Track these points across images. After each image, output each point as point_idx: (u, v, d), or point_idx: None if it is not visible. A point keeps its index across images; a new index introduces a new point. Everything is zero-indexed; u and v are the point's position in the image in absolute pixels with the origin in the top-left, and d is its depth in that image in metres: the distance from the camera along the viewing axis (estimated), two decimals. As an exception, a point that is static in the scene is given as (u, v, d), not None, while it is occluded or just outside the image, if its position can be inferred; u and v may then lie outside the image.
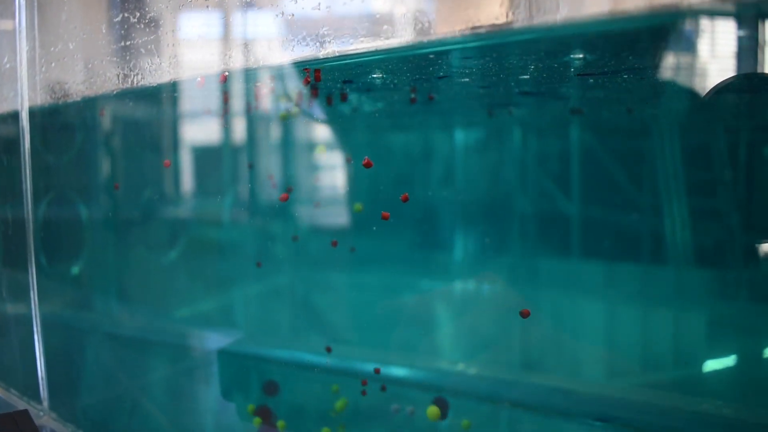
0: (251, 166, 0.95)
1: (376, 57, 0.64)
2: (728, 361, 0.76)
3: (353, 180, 0.94)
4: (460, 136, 0.97)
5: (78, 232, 1.12)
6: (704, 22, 0.65)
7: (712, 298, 0.77)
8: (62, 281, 1.14)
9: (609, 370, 0.86)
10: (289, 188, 0.93)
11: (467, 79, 0.76)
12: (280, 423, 0.86)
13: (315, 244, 0.95)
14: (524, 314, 0.67)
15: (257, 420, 0.87)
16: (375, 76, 0.73)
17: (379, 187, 0.89)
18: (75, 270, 1.13)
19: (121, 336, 1.09)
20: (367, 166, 0.67)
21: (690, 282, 0.79)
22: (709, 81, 0.68)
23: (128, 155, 1.05)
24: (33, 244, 1.10)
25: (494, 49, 0.64)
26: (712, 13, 0.63)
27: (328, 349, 0.84)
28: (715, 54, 0.66)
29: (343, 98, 0.85)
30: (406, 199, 0.70)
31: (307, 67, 0.68)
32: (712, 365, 0.79)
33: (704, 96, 0.68)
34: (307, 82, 0.71)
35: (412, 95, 0.85)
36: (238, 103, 0.86)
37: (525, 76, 0.74)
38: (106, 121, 1.01)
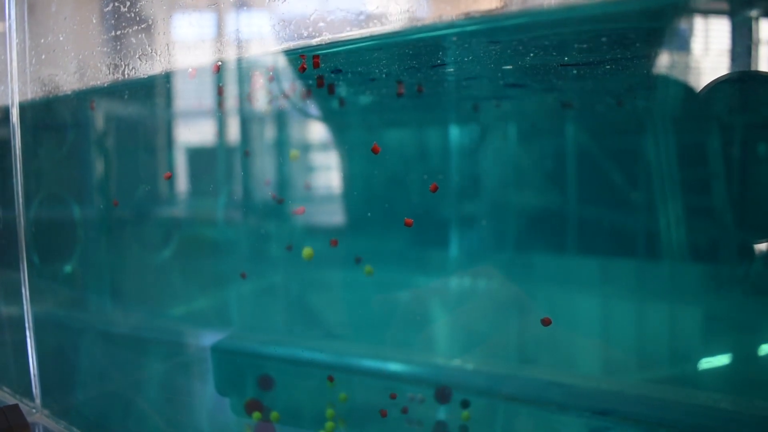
0: (248, 154, 0.94)
1: (369, 43, 0.63)
2: (723, 353, 0.76)
3: (344, 175, 0.93)
4: (447, 128, 0.96)
5: (70, 229, 1.11)
6: (699, 12, 0.64)
7: (707, 293, 0.77)
8: (54, 279, 1.13)
9: (609, 364, 0.85)
10: (280, 199, 0.92)
11: (455, 69, 0.75)
12: (273, 414, 0.86)
13: (313, 244, 0.94)
14: (545, 322, 0.67)
15: (257, 414, 0.86)
16: (363, 59, 0.72)
17: (370, 181, 0.89)
18: (68, 268, 1.12)
19: (114, 333, 1.08)
20: (375, 151, 0.67)
21: (683, 277, 0.79)
22: (703, 76, 0.67)
23: (121, 149, 1.03)
24: (24, 241, 1.09)
25: (487, 35, 0.63)
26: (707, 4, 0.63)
27: (330, 379, 0.85)
28: (709, 49, 0.66)
29: (331, 90, 0.84)
30: (435, 189, 0.70)
31: (303, 53, 0.67)
32: (707, 358, 0.79)
33: (699, 92, 0.68)
34: (303, 69, 0.69)
35: (400, 88, 0.84)
36: (231, 93, 0.85)
37: (511, 67, 0.73)
38: (97, 113, 1.00)
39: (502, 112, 0.92)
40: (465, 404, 0.81)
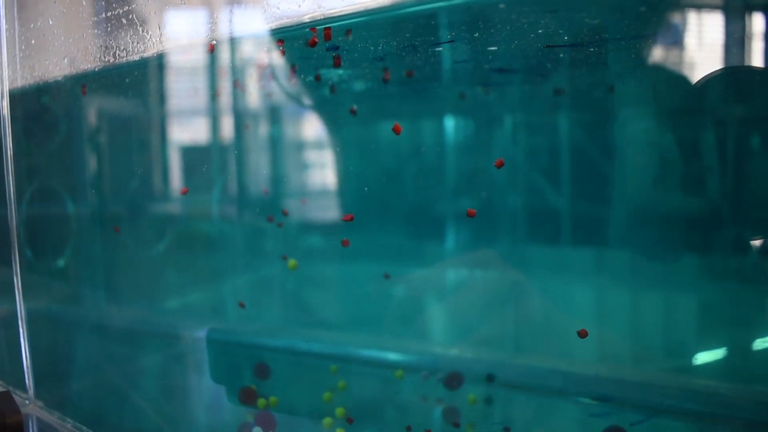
0: (247, 127, 0.92)
1: (361, 19, 0.62)
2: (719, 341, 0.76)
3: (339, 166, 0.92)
4: (439, 114, 0.95)
5: (63, 222, 1.10)
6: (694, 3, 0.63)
7: (699, 284, 0.77)
8: (47, 272, 1.12)
9: (609, 351, 0.85)
10: (284, 211, 0.90)
11: (447, 46, 0.73)
12: (271, 399, 0.85)
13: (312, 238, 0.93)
14: (582, 334, 0.66)
15: (263, 401, 0.86)
16: (370, 35, 0.70)
17: (363, 168, 0.88)
18: (61, 262, 1.11)
19: (107, 326, 1.07)
20: (396, 131, 0.65)
21: (678, 269, 0.78)
22: (698, 68, 0.67)
23: (114, 136, 1.02)
24: (17, 233, 1.08)
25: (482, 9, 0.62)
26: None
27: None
28: (703, 43, 0.65)
29: (337, 63, 0.81)
30: (501, 165, 0.67)
31: (313, 26, 0.65)
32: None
33: (694, 85, 0.67)
34: (314, 43, 0.68)
35: (386, 74, 0.81)
36: (228, 75, 0.83)
37: (496, 47, 0.71)
38: (89, 99, 0.98)
39: (490, 98, 0.91)
40: (490, 378, 0.81)
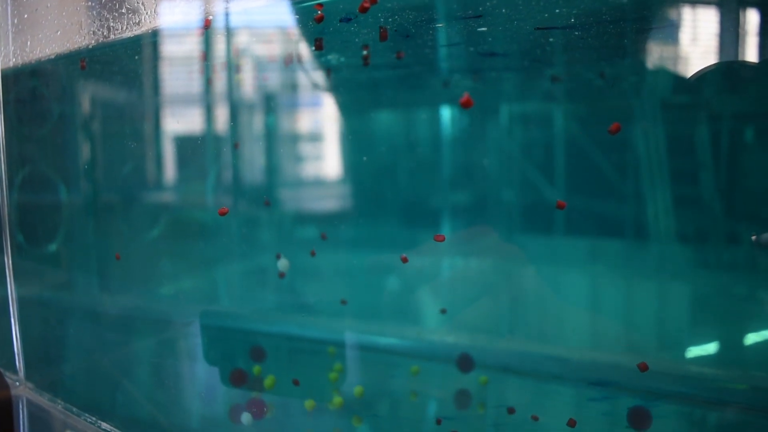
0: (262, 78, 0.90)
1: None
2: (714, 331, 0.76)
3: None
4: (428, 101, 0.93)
5: (56, 206, 1.09)
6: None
7: (701, 276, 0.77)
8: (39, 256, 1.11)
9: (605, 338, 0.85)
10: (323, 235, 0.89)
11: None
12: (270, 378, 0.85)
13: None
14: (642, 368, 0.64)
15: (268, 381, 0.85)
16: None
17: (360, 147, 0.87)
18: (52, 247, 1.11)
19: (98, 311, 1.07)
20: (467, 105, 0.61)
21: (671, 256, 0.79)
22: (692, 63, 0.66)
23: (113, 115, 1.01)
24: (7, 210, 1.08)
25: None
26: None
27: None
28: (697, 37, 0.65)
29: (318, 45, 0.79)
30: (617, 129, 0.65)
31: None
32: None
33: (688, 78, 0.67)
34: (364, 9, 0.63)
35: (366, 59, 0.79)
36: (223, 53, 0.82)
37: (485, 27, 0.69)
38: (86, 78, 0.96)
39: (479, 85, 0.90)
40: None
